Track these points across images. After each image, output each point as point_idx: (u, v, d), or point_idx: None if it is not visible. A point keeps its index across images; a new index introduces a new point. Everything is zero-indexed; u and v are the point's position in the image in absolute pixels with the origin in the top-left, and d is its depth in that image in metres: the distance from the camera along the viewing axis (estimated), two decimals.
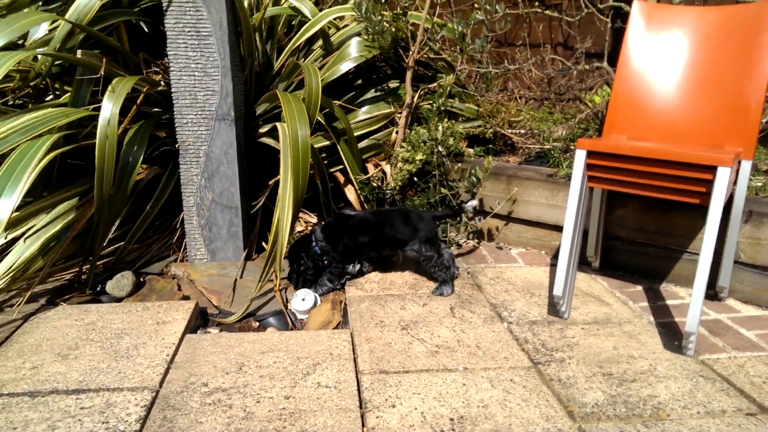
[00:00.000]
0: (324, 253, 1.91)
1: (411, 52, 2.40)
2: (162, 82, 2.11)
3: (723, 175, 1.46)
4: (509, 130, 2.68)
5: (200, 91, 1.95)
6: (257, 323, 1.81)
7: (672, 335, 1.63)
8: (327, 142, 2.37)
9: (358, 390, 1.34)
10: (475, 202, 2.04)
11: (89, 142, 1.77)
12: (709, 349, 1.56)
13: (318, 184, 2.27)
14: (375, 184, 2.39)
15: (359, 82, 2.64)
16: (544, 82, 3.25)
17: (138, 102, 1.97)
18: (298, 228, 2.35)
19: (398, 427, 1.21)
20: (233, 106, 1.96)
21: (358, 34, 2.48)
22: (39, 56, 1.94)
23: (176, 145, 2.00)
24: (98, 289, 1.93)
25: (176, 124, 1.97)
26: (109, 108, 1.75)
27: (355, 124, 2.48)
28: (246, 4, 2.19)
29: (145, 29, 2.31)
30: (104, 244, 1.96)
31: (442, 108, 2.41)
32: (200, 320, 1.80)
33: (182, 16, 1.88)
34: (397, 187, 2.33)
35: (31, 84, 2.04)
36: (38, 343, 1.53)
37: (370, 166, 2.48)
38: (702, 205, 1.56)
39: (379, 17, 2.33)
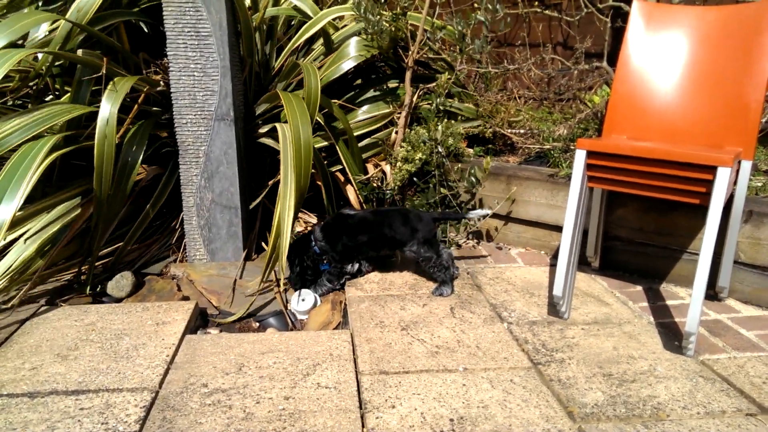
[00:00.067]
0: (323, 252, 1.91)
1: (410, 52, 2.40)
2: (162, 82, 2.11)
3: (723, 175, 1.46)
4: (509, 130, 2.68)
5: (200, 91, 1.94)
6: (257, 324, 1.81)
7: (672, 335, 1.63)
8: (326, 143, 2.37)
9: (358, 390, 1.34)
10: (480, 212, 2.02)
11: (90, 143, 1.77)
12: (709, 349, 1.56)
13: (319, 185, 2.27)
14: (375, 184, 2.38)
15: (359, 81, 2.64)
16: (544, 82, 3.25)
17: (139, 102, 1.97)
18: (298, 228, 2.35)
19: (398, 427, 1.21)
20: (233, 107, 1.96)
21: (358, 34, 2.48)
22: (39, 56, 1.93)
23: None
24: (98, 289, 1.93)
25: (176, 124, 1.97)
26: (107, 108, 1.75)
27: (354, 124, 2.48)
28: (247, 3, 2.19)
29: (145, 29, 2.31)
30: (103, 244, 1.96)
31: (441, 108, 2.41)
32: (200, 321, 1.79)
33: (182, 17, 1.87)
34: (397, 188, 2.33)
35: (31, 84, 2.04)
36: (38, 344, 1.53)
37: (369, 166, 2.48)
38: (702, 205, 1.56)
39: (378, 17, 2.33)
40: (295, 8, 2.45)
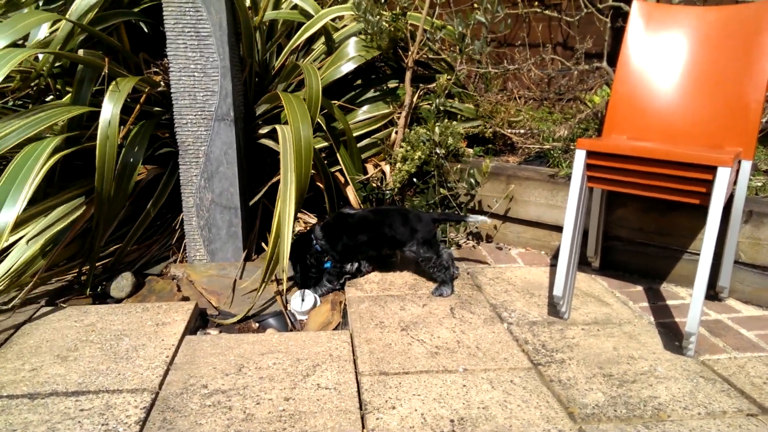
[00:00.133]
0: (323, 251, 1.91)
1: (410, 53, 2.39)
2: (162, 83, 2.11)
3: (723, 176, 1.46)
4: (509, 130, 2.68)
5: (200, 91, 1.94)
6: (257, 324, 1.81)
7: (672, 336, 1.63)
8: (326, 143, 2.37)
9: (358, 391, 1.34)
10: (479, 218, 2.01)
11: (91, 144, 1.77)
12: (709, 349, 1.56)
13: (320, 186, 2.27)
14: (374, 185, 2.38)
15: (359, 82, 2.64)
16: (544, 82, 3.25)
17: (141, 102, 1.97)
18: (297, 228, 2.35)
19: (398, 428, 1.21)
20: (233, 107, 1.96)
21: (357, 34, 2.48)
22: (40, 56, 1.93)
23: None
24: (99, 290, 1.93)
25: (176, 125, 1.97)
26: (109, 108, 1.75)
27: (354, 125, 2.48)
28: (247, 3, 2.19)
29: (145, 29, 2.31)
30: (103, 244, 1.96)
31: (441, 108, 2.41)
32: (200, 321, 1.79)
33: (182, 17, 1.87)
34: (396, 188, 2.33)
35: (32, 84, 2.04)
36: (38, 345, 1.53)
37: (369, 167, 2.48)
38: (702, 206, 1.56)
39: (378, 17, 2.33)
40: (296, 7, 2.45)
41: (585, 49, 2.90)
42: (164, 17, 1.87)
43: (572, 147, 2.35)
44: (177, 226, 2.21)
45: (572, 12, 2.87)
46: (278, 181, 1.89)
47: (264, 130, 2.25)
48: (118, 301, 1.88)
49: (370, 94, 2.57)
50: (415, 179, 2.33)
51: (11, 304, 1.72)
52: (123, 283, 1.90)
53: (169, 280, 1.98)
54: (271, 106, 2.28)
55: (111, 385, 1.35)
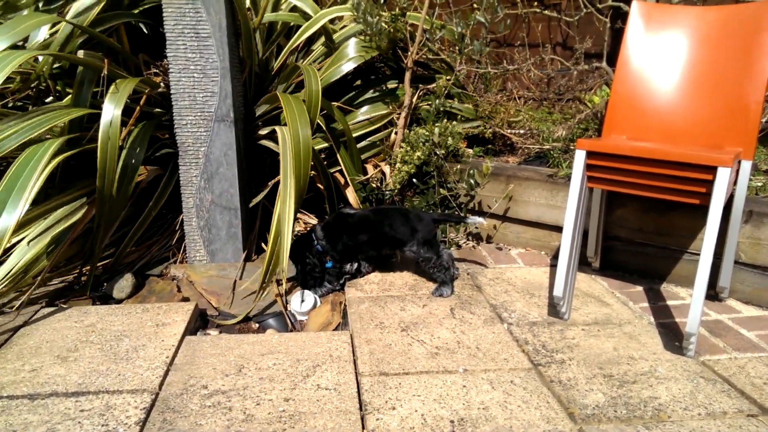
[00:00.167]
0: (324, 251, 1.91)
1: (410, 53, 2.39)
2: (162, 84, 2.11)
3: (723, 176, 1.46)
4: (508, 131, 2.68)
5: (199, 92, 1.94)
6: (257, 324, 1.81)
7: (672, 336, 1.63)
8: (326, 144, 2.37)
9: (358, 392, 1.34)
10: (480, 220, 2.01)
11: (92, 146, 1.77)
12: (709, 350, 1.56)
13: (320, 187, 2.27)
14: (374, 185, 2.38)
15: (358, 82, 2.64)
16: (543, 83, 3.25)
17: (141, 103, 1.97)
18: (297, 228, 2.35)
19: (398, 429, 1.21)
20: (232, 108, 1.96)
21: (357, 35, 2.48)
22: (40, 58, 1.93)
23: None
24: (99, 291, 1.93)
25: (175, 126, 1.97)
26: (111, 110, 1.75)
27: (354, 125, 2.48)
28: (246, 4, 2.19)
29: (145, 31, 2.31)
30: (104, 245, 1.96)
31: (440, 108, 2.41)
32: (200, 322, 1.79)
33: (182, 18, 1.87)
34: (396, 189, 2.33)
35: (32, 86, 2.04)
36: (38, 346, 1.53)
37: (369, 167, 2.48)
38: (702, 206, 1.56)
39: (377, 18, 2.33)
40: (295, 9, 2.45)
41: (584, 49, 2.91)
42: (164, 18, 1.88)
43: (572, 147, 2.35)
44: (177, 227, 2.21)
45: (572, 12, 2.88)
46: (278, 182, 1.89)
47: (264, 131, 2.25)
48: (119, 301, 1.88)
49: (370, 94, 2.57)
50: (414, 180, 2.33)
51: (12, 305, 1.72)
52: (123, 283, 1.90)
53: (169, 281, 1.98)
54: (271, 107, 2.28)
55: (111, 386, 1.35)
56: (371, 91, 2.58)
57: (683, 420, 1.26)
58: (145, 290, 1.94)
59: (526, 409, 1.28)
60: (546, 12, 2.98)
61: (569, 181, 1.70)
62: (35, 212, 1.85)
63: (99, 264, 1.99)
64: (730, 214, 1.73)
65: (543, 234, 2.25)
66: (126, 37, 2.14)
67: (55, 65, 1.99)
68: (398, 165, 2.30)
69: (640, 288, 1.96)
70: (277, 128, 2.01)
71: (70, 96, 1.92)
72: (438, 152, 2.26)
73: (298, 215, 2.36)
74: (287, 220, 1.80)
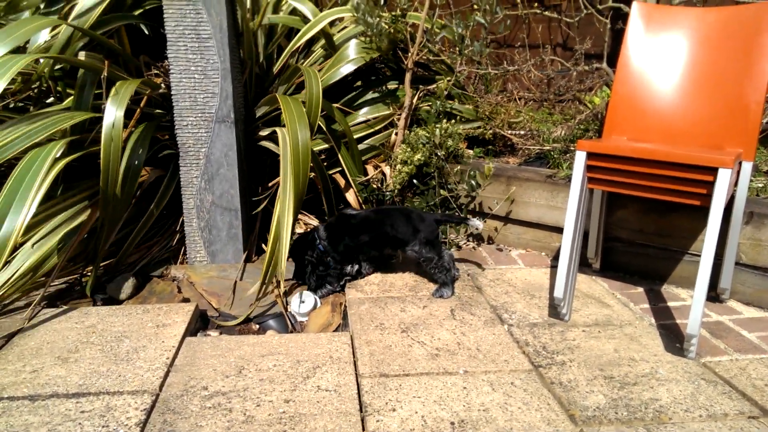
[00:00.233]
0: (326, 252, 1.91)
1: (410, 54, 2.40)
2: (162, 85, 2.11)
3: (724, 177, 1.46)
4: (509, 132, 2.68)
5: (200, 93, 1.95)
6: (257, 325, 1.81)
7: (673, 337, 1.63)
8: (326, 145, 2.37)
9: (359, 393, 1.34)
10: (478, 224, 2.00)
11: (95, 148, 1.77)
12: (710, 351, 1.56)
13: (320, 189, 2.27)
14: (375, 186, 2.38)
15: (358, 83, 2.64)
16: (544, 83, 3.25)
17: (142, 105, 1.97)
18: (297, 230, 2.35)
19: (398, 431, 1.21)
20: (233, 109, 1.96)
21: (357, 36, 2.48)
22: (42, 60, 1.94)
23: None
24: (99, 292, 1.93)
25: (176, 127, 1.97)
26: (113, 111, 1.75)
27: (354, 126, 2.48)
28: (247, 5, 2.19)
29: (146, 32, 2.31)
30: (107, 246, 1.96)
31: (441, 109, 2.41)
32: (200, 323, 1.79)
33: (182, 19, 1.88)
34: (397, 189, 2.33)
35: (33, 87, 2.04)
36: (38, 347, 1.53)
37: (369, 168, 2.48)
38: (702, 207, 1.56)
39: (377, 19, 2.33)
40: (295, 11, 2.45)
41: (585, 50, 2.90)
42: (165, 20, 1.88)
43: (572, 148, 2.35)
44: (178, 228, 2.21)
45: (572, 13, 2.88)
46: (279, 184, 1.89)
47: (264, 132, 2.26)
48: (119, 302, 1.89)
49: (370, 95, 2.57)
50: (415, 180, 2.33)
51: (12, 306, 1.72)
52: (124, 284, 1.90)
53: (170, 282, 1.98)
54: (271, 108, 2.28)
55: (111, 387, 1.35)
56: (372, 92, 2.58)
57: (684, 422, 1.26)
58: (145, 291, 1.94)
59: (526, 411, 1.28)
60: (546, 13, 2.98)
61: (570, 182, 1.70)
62: (39, 216, 1.85)
63: (100, 265, 1.99)
64: (731, 215, 1.73)
65: (543, 235, 2.24)
66: (127, 38, 2.15)
67: (56, 67, 1.99)
68: (398, 166, 2.30)
69: (640, 289, 1.96)
70: (277, 129, 2.01)
71: (71, 98, 1.92)
72: (438, 153, 2.26)
73: (299, 216, 2.36)
74: (286, 221, 1.80)
